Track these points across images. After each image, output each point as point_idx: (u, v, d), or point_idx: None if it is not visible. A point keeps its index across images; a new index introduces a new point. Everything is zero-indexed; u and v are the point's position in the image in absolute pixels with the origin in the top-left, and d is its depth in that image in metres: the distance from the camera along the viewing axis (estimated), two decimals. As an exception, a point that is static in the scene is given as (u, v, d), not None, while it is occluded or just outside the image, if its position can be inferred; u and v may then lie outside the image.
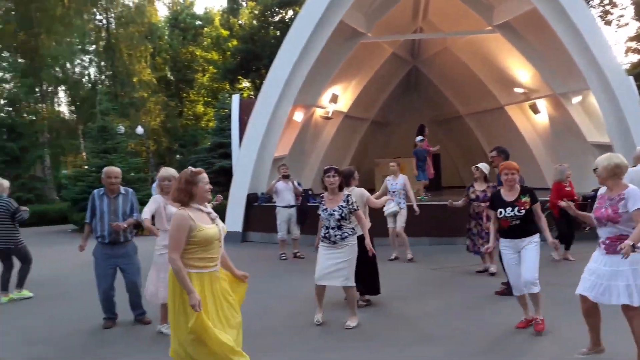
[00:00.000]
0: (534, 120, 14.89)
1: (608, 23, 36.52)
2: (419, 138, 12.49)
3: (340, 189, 5.06)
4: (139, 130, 24.51)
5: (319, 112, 15.03)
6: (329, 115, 15.09)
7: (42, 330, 5.34)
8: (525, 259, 4.56)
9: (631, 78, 13.10)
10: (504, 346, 4.39)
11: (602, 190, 3.86)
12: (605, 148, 10.53)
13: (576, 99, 12.75)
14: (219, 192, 15.16)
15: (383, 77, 16.80)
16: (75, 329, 5.30)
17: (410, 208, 8.62)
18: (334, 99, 14.83)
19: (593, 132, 12.70)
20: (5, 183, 6.91)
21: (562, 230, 8.18)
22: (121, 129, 22.16)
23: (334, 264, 4.96)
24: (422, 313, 5.49)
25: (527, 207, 4.58)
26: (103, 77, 32.55)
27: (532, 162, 14.64)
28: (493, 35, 13.25)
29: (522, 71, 13.98)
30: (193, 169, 3.34)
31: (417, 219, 8.75)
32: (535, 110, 14.37)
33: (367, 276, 5.66)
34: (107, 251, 5.28)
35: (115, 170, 5.44)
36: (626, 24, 46.06)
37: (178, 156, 33.67)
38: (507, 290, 5.78)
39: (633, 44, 35.02)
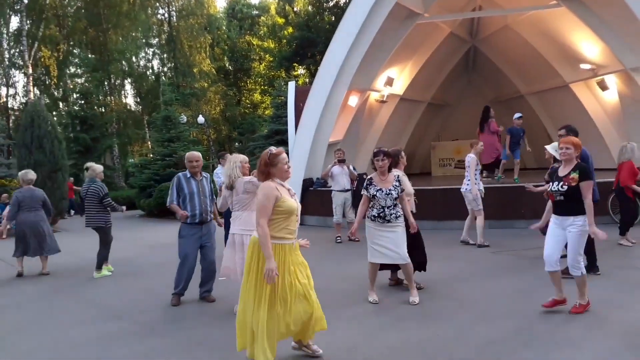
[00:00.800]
0: (602, 98, 14.04)
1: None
2: (517, 115, 12.12)
3: (390, 170, 5.26)
4: (200, 119, 25.43)
5: (374, 96, 14.94)
6: (384, 99, 14.98)
7: (117, 306, 5.78)
8: (569, 241, 4.57)
9: None
10: (562, 330, 4.31)
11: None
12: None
13: (650, 74, 11.92)
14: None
15: (440, 58, 16.40)
16: (148, 305, 5.70)
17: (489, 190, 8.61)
18: (390, 82, 14.69)
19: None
20: (99, 168, 7.49)
21: (630, 214, 7.81)
22: (183, 118, 23.09)
23: (388, 243, 5.12)
24: (483, 295, 5.45)
25: (573, 184, 4.45)
26: (165, 68, 33.93)
27: (600, 142, 13.85)
28: (557, 9, 12.58)
29: (589, 46, 13.19)
30: (273, 150, 3.67)
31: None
32: (603, 87, 13.54)
33: (413, 252, 5.68)
34: (195, 230, 5.59)
35: (196, 154, 5.74)
36: None
37: (237, 144, 34.62)
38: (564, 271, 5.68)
39: None
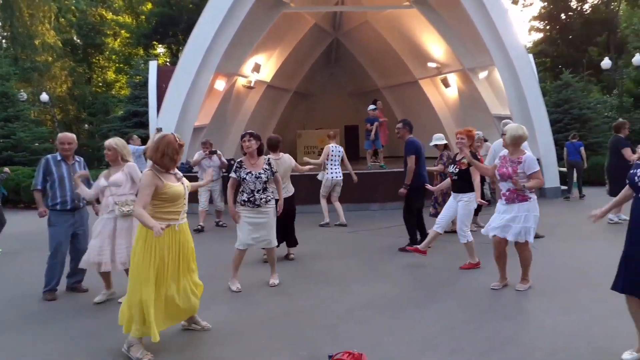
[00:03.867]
0: (445, 94, 15.82)
1: (515, 2, 39.02)
2: (372, 107, 12.65)
3: (259, 153, 5.18)
4: (44, 97, 22.80)
5: (241, 81, 14.91)
6: (252, 84, 15.03)
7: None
8: (458, 212, 5.67)
9: (531, 56, 14.32)
10: (410, 296, 4.90)
11: (505, 152, 4.83)
12: (505, 120, 11.52)
13: (482, 74, 13.73)
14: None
15: (305, 49, 16.92)
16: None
17: (348, 176, 9.04)
18: (257, 68, 14.77)
19: (496, 105, 13.78)
20: None
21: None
22: (23, 95, 20.53)
23: (258, 228, 5.10)
24: (342, 270, 5.90)
25: (463, 168, 5.54)
26: (1, 37, 29.70)
27: (442, 132, 15.58)
28: (410, 10, 13.79)
29: (435, 46, 14.73)
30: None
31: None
32: (446, 84, 15.27)
33: (285, 231, 6.14)
34: (67, 218, 5.13)
35: (70, 135, 5.26)
36: (531, 4, 49.14)
37: (87, 125, 31.76)
38: (406, 247, 6.66)
39: (536, 23, 37.78)
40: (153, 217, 3.50)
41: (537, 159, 11.92)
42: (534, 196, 4.69)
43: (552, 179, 12.66)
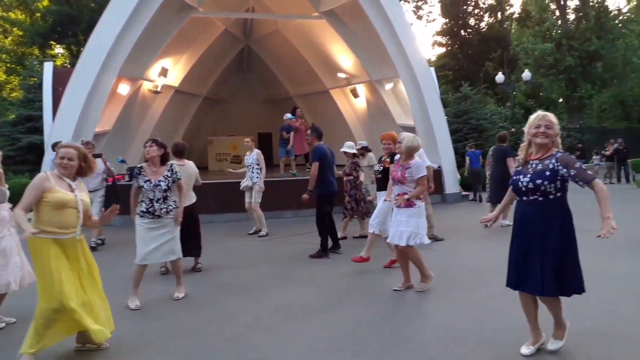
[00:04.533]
0: (354, 104, 16.33)
1: (419, 18, 41.30)
2: (288, 116, 12.59)
3: (163, 161, 4.95)
4: None
5: (147, 86, 14.32)
6: (158, 89, 14.49)
7: None
8: (377, 206, 6.12)
9: (432, 69, 15.19)
10: (318, 300, 4.98)
11: (398, 156, 5.18)
12: (410, 130, 12.10)
13: (388, 86, 14.34)
14: (27, 171, 13.58)
15: (216, 54, 16.64)
16: None
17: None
18: (164, 72, 14.28)
19: (401, 115, 14.44)
20: None
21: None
22: None
23: (159, 241, 4.85)
24: (250, 280, 5.85)
25: (387, 166, 6.04)
26: None
27: (352, 141, 16.06)
28: (320, 21, 14.08)
29: (344, 57, 15.16)
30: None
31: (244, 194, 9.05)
32: (355, 94, 15.77)
33: (190, 242, 5.92)
34: None
35: None
36: (434, 20, 52.14)
37: (-27, 130, 28.77)
38: (317, 253, 6.86)
39: (439, 38, 40.25)
40: (38, 224, 3.47)
41: (438, 167, 12.81)
42: (420, 203, 4.98)
43: (452, 185, 13.47)
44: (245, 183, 8.70)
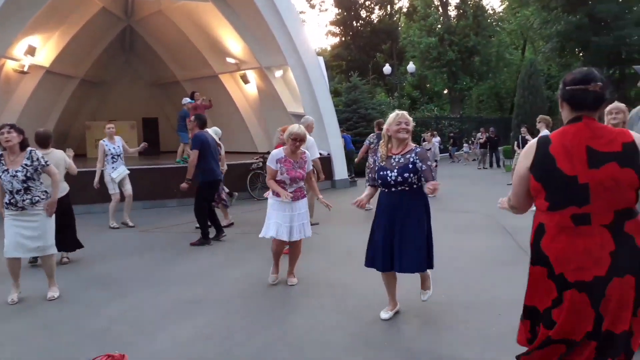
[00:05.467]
0: (245, 90, 16.13)
1: (312, 7, 41.80)
2: (187, 100, 11.87)
3: (22, 147, 4.52)
4: None
5: (11, 65, 12.92)
6: (25, 69, 13.14)
7: None
8: None
9: (321, 58, 15.49)
10: (188, 284, 4.89)
11: (281, 154, 4.68)
12: (300, 117, 12.25)
13: (278, 73, 14.36)
14: None
15: (93, 33, 15.42)
16: None
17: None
18: (31, 51, 12.95)
19: (292, 103, 14.56)
20: None
21: None
22: None
23: (27, 234, 4.50)
24: (125, 271, 5.59)
25: None
26: None
27: (244, 128, 15.91)
28: (206, 4, 13.65)
29: (233, 42, 14.87)
30: None
31: (133, 183, 8.60)
32: (245, 80, 15.57)
33: (64, 234, 5.52)
34: None
35: None
36: (326, 10, 53.15)
37: None
38: (199, 241, 6.74)
39: (333, 28, 41.04)
40: None
41: (328, 154, 13.13)
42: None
43: (340, 172, 13.90)
44: (123, 173, 8.25)
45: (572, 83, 2.07)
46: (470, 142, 24.62)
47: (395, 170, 3.62)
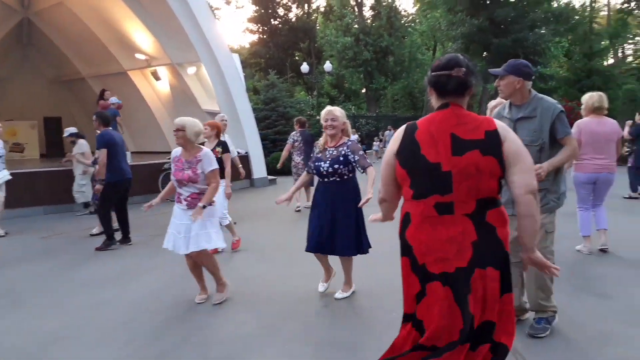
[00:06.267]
0: (156, 87, 15.54)
1: (228, 3, 41.18)
2: (114, 100, 11.07)
3: None
4: None
5: None
6: None
7: None
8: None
9: (236, 56, 15.28)
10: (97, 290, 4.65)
11: (178, 152, 4.12)
12: (215, 115, 11.98)
13: (191, 70, 13.98)
14: None
15: (-16, 25, 14.18)
16: None
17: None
18: None
19: (206, 101, 14.25)
20: None
21: None
22: None
23: None
24: (22, 280, 5.19)
25: (218, 156, 5.60)
26: None
27: (156, 127, 15.32)
28: (112, -4, 13.01)
29: (143, 38, 14.27)
30: None
31: (31, 187, 8.00)
32: (156, 77, 15.01)
33: None
34: None
35: None
36: (242, 7, 52.60)
37: None
38: (104, 244, 6.48)
39: (251, 25, 40.66)
40: None
41: (245, 152, 13.01)
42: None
43: (259, 170, 13.84)
44: (7, 177, 7.64)
45: (437, 69, 2.03)
46: (379, 140, 25.61)
47: (328, 162, 3.97)
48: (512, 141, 1.96)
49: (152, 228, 7.71)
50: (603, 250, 5.30)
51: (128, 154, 11.43)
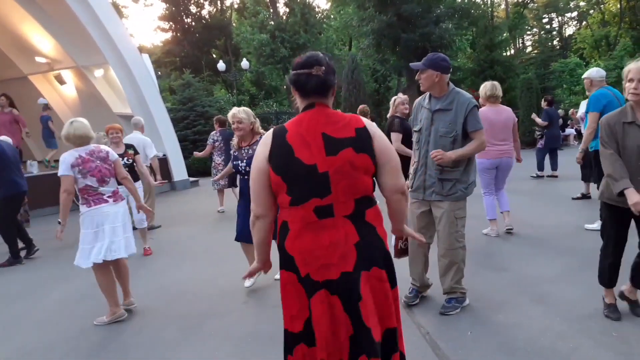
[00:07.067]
0: (62, 91, 14.70)
1: (136, 1, 39.60)
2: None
3: None
4: None
5: None
6: None
7: None
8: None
9: (146, 55, 14.82)
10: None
11: (92, 149, 3.89)
12: (129, 118, 11.57)
13: (98, 72, 13.37)
14: None
15: None
16: None
17: None
18: None
19: (117, 103, 13.70)
20: None
21: None
22: None
23: None
24: None
25: (132, 159, 6.02)
26: None
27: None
28: (5, -2, 12.10)
29: (42, 40, 13.42)
30: None
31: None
32: (61, 81, 14.20)
33: None
34: None
35: None
36: (152, 4, 50.75)
37: None
38: (7, 261, 6.14)
39: (162, 23, 39.31)
40: None
41: (164, 155, 12.68)
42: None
43: (180, 172, 13.58)
44: None
45: (297, 67, 1.93)
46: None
47: (245, 161, 4.16)
48: (380, 138, 1.94)
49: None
50: (509, 232, 5.59)
51: (35, 163, 10.88)
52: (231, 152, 4.43)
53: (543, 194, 8.40)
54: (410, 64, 3.63)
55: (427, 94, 3.58)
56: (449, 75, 3.46)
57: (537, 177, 10.01)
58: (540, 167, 10.11)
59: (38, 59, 13.70)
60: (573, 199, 7.38)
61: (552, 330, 3.18)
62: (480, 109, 5.63)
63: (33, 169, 10.61)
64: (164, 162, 12.71)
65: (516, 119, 5.63)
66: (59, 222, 3.83)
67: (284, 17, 34.94)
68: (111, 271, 3.95)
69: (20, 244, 6.34)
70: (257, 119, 4.27)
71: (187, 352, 3.31)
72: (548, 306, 3.57)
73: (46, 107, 12.34)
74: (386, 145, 1.94)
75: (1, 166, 5.97)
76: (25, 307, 4.53)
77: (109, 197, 3.88)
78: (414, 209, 3.66)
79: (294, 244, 1.89)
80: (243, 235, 4.34)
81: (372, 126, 1.95)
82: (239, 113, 4.15)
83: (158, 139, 12.75)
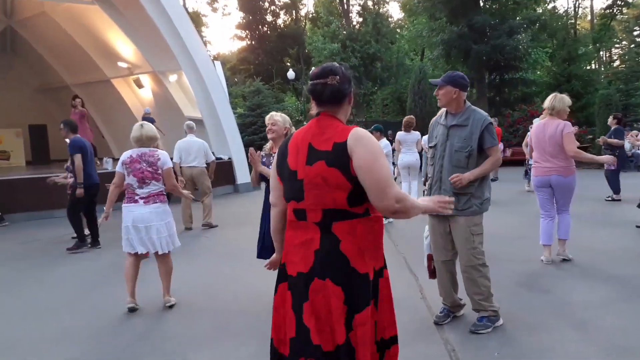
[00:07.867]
0: (139, 94, 15.73)
1: (215, 10, 41.46)
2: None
3: None
4: None
5: None
6: None
7: None
8: None
9: (218, 62, 15.49)
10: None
11: (144, 152, 4.17)
12: (197, 121, 12.13)
13: (173, 77, 14.18)
14: None
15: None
16: None
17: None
18: None
19: (188, 107, 14.43)
20: None
21: None
22: None
23: None
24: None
25: None
26: None
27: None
28: (93, 6, 13.17)
29: (124, 46, 14.46)
30: None
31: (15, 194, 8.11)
32: (139, 84, 15.20)
33: None
34: None
35: None
36: (229, 14, 52.79)
37: None
38: (75, 245, 6.76)
39: (239, 32, 40.91)
40: None
41: (229, 158, 13.15)
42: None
43: (243, 176, 14.00)
44: None
45: (314, 77, 2.02)
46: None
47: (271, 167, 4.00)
48: (360, 156, 1.87)
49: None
50: (564, 260, 5.17)
51: (110, 160, 11.71)
52: (261, 153, 4.18)
53: (605, 217, 7.85)
54: (430, 80, 3.69)
55: (444, 112, 3.63)
56: (466, 93, 3.52)
57: (613, 200, 9.33)
58: (617, 190, 9.38)
59: (120, 63, 14.77)
60: (637, 226, 6.78)
61: (585, 360, 3.01)
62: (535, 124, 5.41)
63: (108, 165, 11.42)
64: (228, 165, 13.20)
65: (568, 131, 4.95)
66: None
67: (357, 27, 35.16)
68: (135, 264, 4.23)
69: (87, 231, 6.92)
70: (292, 126, 4.08)
71: (212, 349, 3.46)
72: (587, 334, 3.38)
73: (147, 114, 12.76)
74: (365, 162, 1.86)
75: (85, 158, 6.59)
76: (75, 294, 4.91)
77: (141, 198, 4.11)
78: (434, 224, 3.68)
79: (287, 234, 2.09)
80: (260, 253, 4.23)
81: (355, 142, 1.88)
82: (275, 115, 4.10)
83: (224, 143, 13.28)
